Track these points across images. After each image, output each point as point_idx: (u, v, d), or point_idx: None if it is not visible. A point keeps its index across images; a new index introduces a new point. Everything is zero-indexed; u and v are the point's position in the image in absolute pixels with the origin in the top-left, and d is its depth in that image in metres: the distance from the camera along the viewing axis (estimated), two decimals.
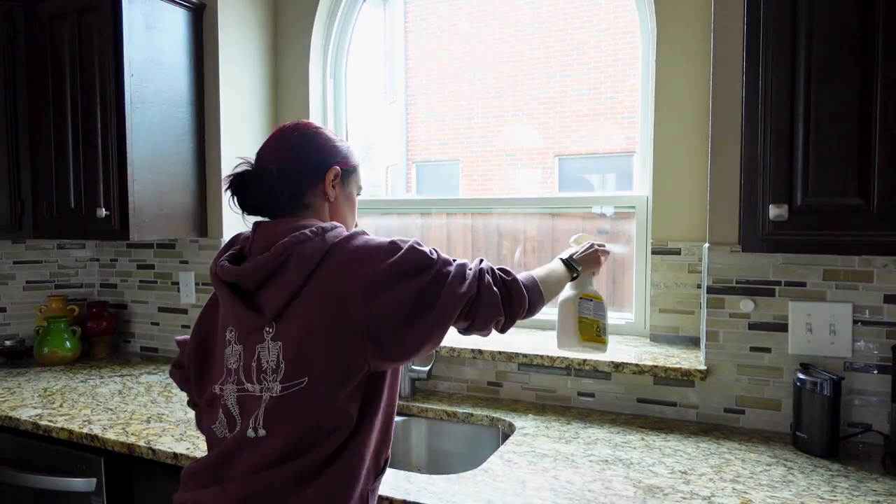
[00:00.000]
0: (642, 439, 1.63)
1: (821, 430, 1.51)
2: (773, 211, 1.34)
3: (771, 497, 1.30)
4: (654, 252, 1.98)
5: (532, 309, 1.26)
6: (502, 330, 1.23)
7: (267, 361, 1.06)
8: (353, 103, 2.63)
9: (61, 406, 1.90)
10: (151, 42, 2.15)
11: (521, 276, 1.28)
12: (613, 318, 2.16)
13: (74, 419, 1.78)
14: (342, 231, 1.12)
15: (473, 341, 2.04)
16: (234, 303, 1.09)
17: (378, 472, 1.18)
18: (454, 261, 1.13)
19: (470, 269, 1.14)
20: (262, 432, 1.06)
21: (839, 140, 1.30)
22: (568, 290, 1.54)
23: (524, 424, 1.74)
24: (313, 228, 1.09)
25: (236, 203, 1.17)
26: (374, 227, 2.62)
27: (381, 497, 1.31)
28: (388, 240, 1.10)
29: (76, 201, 2.17)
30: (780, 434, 1.65)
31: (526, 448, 1.57)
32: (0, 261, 2.52)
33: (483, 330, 1.17)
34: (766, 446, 1.58)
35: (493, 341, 2.03)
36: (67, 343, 2.42)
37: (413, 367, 1.98)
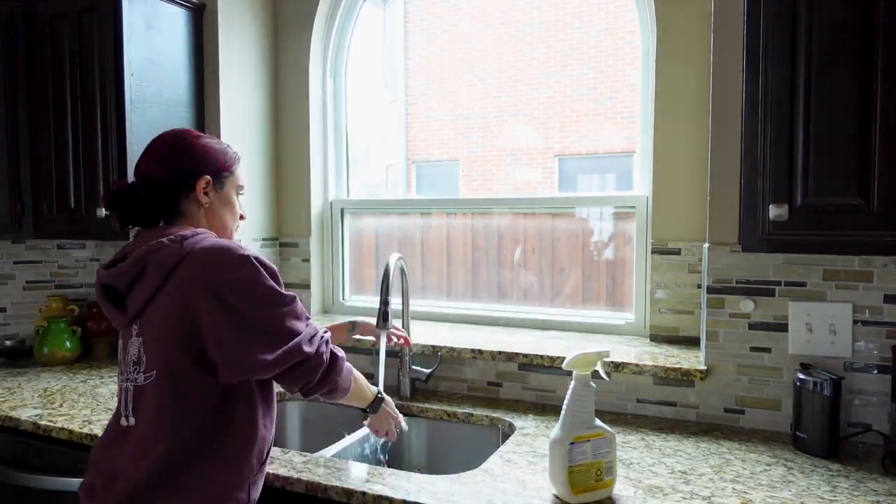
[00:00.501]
0: (642, 439, 1.63)
1: (821, 430, 1.51)
2: (773, 211, 1.34)
3: (771, 497, 1.30)
4: (654, 252, 1.98)
5: (334, 391, 1.32)
6: (304, 393, 1.27)
7: (131, 354, 1.19)
8: (353, 103, 2.63)
9: (61, 406, 1.90)
10: (151, 42, 2.15)
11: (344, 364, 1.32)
12: (614, 317, 2.16)
13: (74, 419, 1.78)
14: (203, 238, 1.19)
15: (474, 341, 2.05)
16: (105, 302, 1.22)
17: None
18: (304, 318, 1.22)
19: (315, 335, 1.22)
20: (132, 420, 1.19)
21: (839, 140, 1.30)
22: (558, 431, 1.32)
23: (524, 424, 1.74)
24: (172, 237, 1.18)
25: (116, 218, 1.26)
26: (374, 228, 2.62)
27: (381, 497, 1.31)
28: (241, 252, 1.16)
29: (76, 201, 2.17)
30: (780, 434, 1.65)
31: (526, 448, 1.57)
32: (0, 261, 2.52)
33: (292, 385, 1.24)
34: (766, 446, 1.58)
35: (493, 341, 2.03)
36: (67, 343, 2.41)
37: (414, 367, 1.98)
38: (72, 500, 1.71)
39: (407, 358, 1.98)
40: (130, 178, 2.07)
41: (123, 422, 1.20)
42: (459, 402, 1.94)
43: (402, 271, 1.99)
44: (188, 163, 1.26)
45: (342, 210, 2.58)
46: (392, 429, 1.60)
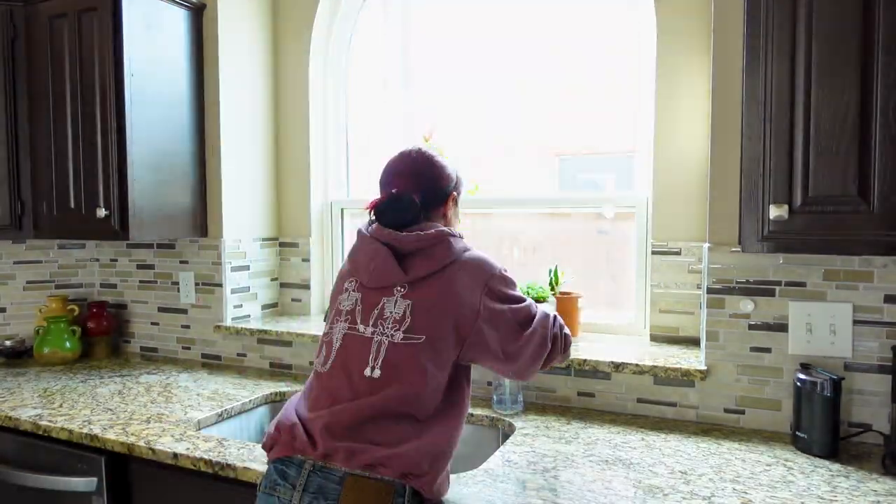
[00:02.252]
0: (642, 439, 1.63)
1: (821, 430, 1.51)
2: (773, 211, 1.34)
3: (771, 497, 1.30)
4: (653, 252, 1.98)
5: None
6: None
7: (391, 312, 1.30)
8: (353, 102, 2.63)
9: (61, 406, 1.90)
10: (151, 42, 2.15)
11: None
12: (614, 317, 2.16)
13: (74, 419, 1.78)
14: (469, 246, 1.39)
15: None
16: (387, 257, 1.31)
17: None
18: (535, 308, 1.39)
19: (550, 325, 1.39)
20: (377, 373, 1.26)
21: (839, 140, 1.30)
22: None
23: (524, 424, 1.74)
24: (454, 232, 1.37)
25: (375, 222, 1.39)
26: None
27: None
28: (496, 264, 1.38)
29: (76, 201, 2.17)
30: (780, 434, 1.65)
31: (526, 448, 1.57)
32: (0, 261, 2.52)
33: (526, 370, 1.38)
34: (766, 446, 1.58)
35: None
36: (67, 343, 2.42)
37: None
38: (72, 500, 1.71)
39: None
40: (130, 178, 2.09)
41: (367, 372, 1.26)
42: None
43: None
44: (445, 182, 1.45)
45: (342, 210, 2.58)
46: None
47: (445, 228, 1.35)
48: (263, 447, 1.31)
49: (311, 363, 1.35)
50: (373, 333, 1.29)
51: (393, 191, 1.38)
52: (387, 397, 1.23)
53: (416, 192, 1.38)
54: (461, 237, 1.38)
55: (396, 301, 1.30)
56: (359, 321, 1.32)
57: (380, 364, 1.26)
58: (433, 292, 1.29)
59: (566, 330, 1.45)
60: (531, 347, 1.33)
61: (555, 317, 1.44)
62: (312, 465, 1.21)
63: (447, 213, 1.45)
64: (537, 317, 1.36)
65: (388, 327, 1.29)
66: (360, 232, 1.41)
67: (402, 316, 1.29)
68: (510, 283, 1.37)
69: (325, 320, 1.45)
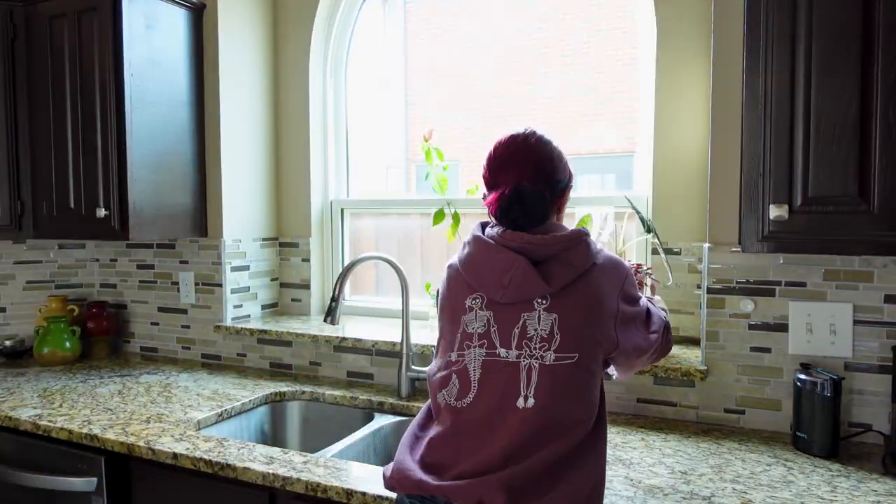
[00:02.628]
0: (642, 439, 1.63)
1: (821, 430, 1.51)
2: (774, 211, 1.34)
3: (771, 497, 1.30)
4: (653, 252, 1.98)
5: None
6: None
7: (535, 330, 1.13)
8: (353, 103, 2.63)
9: (61, 406, 1.90)
10: (151, 42, 2.15)
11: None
12: None
13: (74, 419, 1.78)
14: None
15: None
16: (527, 268, 1.13)
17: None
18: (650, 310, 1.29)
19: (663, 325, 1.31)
20: (531, 402, 1.10)
21: (839, 140, 1.30)
22: None
23: None
24: (588, 234, 1.21)
25: (495, 224, 1.22)
26: (373, 227, 2.62)
27: (381, 497, 1.31)
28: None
29: (76, 201, 2.17)
30: (780, 434, 1.65)
31: None
32: (0, 261, 2.52)
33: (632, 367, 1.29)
34: (767, 446, 1.58)
35: None
36: (67, 343, 2.42)
37: (413, 366, 1.98)
38: (72, 500, 1.71)
39: (407, 357, 1.98)
40: (130, 177, 2.09)
41: (521, 403, 1.10)
42: None
43: (399, 270, 1.99)
44: (564, 174, 1.28)
45: (342, 210, 2.58)
46: None
47: (579, 228, 1.21)
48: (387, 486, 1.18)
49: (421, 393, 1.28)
50: (518, 357, 1.13)
51: (525, 183, 1.19)
52: (545, 434, 1.09)
53: (538, 184, 1.20)
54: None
55: (539, 316, 1.14)
56: (498, 344, 1.15)
57: (532, 392, 1.10)
58: (578, 301, 1.14)
59: (670, 326, 1.37)
60: (652, 349, 1.26)
61: (665, 313, 1.38)
62: None
63: (563, 208, 1.30)
64: (656, 316, 1.29)
65: (535, 348, 1.13)
66: (477, 238, 1.22)
67: (549, 333, 1.13)
68: (635, 283, 1.25)
69: (440, 340, 1.27)
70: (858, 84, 1.28)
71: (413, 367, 1.98)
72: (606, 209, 2.10)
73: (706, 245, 1.72)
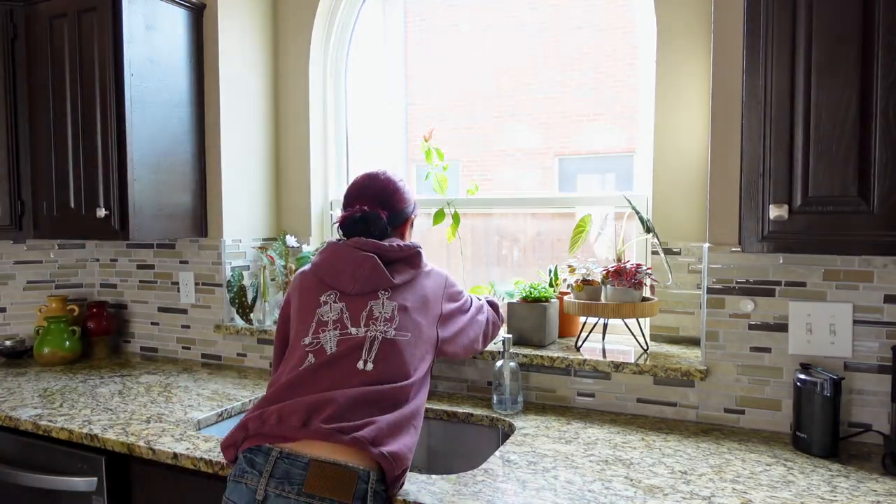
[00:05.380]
0: (642, 439, 1.63)
1: (821, 430, 1.51)
2: (773, 211, 1.34)
3: (771, 497, 1.30)
4: (653, 252, 1.98)
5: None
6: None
7: (380, 312, 1.45)
8: (353, 102, 2.63)
9: (61, 406, 1.90)
10: (151, 42, 2.15)
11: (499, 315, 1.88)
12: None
13: (74, 419, 1.78)
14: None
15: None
16: (377, 264, 1.47)
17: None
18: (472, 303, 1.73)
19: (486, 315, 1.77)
20: (370, 366, 1.37)
21: (839, 140, 1.30)
22: None
23: (524, 424, 1.74)
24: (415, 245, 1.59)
25: (346, 234, 1.58)
26: None
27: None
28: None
29: (76, 201, 2.17)
30: (780, 434, 1.65)
31: (526, 448, 1.57)
32: (0, 261, 2.52)
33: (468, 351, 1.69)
34: (766, 446, 1.58)
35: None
36: (67, 343, 2.42)
37: None
38: (73, 500, 1.71)
39: None
40: (130, 177, 2.08)
41: (360, 365, 1.37)
42: (459, 401, 1.94)
43: None
44: (406, 205, 1.66)
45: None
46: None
47: (413, 242, 1.58)
48: (224, 446, 1.36)
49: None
50: (366, 332, 1.42)
51: (364, 208, 1.55)
52: (378, 388, 1.34)
53: (381, 212, 1.56)
54: None
55: (383, 303, 1.46)
56: (350, 325, 1.43)
57: (372, 358, 1.38)
58: (413, 296, 1.50)
59: (495, 316, 1.81)
60: (482, 332, 1.71)
61: (490, 303, 1.82)
62: (280, 452, 1.26)
63: (405, 233, 1.67)
64: (478, 308, 1.72)
65: (380, 325, 1.43)
66: (333, 245, 1.55)
67: (391, 315, 1.45)
68: (455, 285, 1.66)
69: (279, 336, 1.60)
70: (858, 84, 1.28)
71: None
72: (606, 209, 2.10)
73: (706, 245, 1.72)
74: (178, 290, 2.48)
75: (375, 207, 1.57)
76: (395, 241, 1.54)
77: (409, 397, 1.38)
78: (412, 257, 1.56)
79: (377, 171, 1.66)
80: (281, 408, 1.30)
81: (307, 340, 1.43)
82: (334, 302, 1.47)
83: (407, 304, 1.48)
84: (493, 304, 1.83)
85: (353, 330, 1.42)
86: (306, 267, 1.60)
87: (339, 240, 1.58)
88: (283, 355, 1.51)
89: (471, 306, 1.70)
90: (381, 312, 1.45)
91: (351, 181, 1.67)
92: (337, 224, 1.59)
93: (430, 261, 1.64)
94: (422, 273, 1.56)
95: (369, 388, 1.34)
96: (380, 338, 1.41)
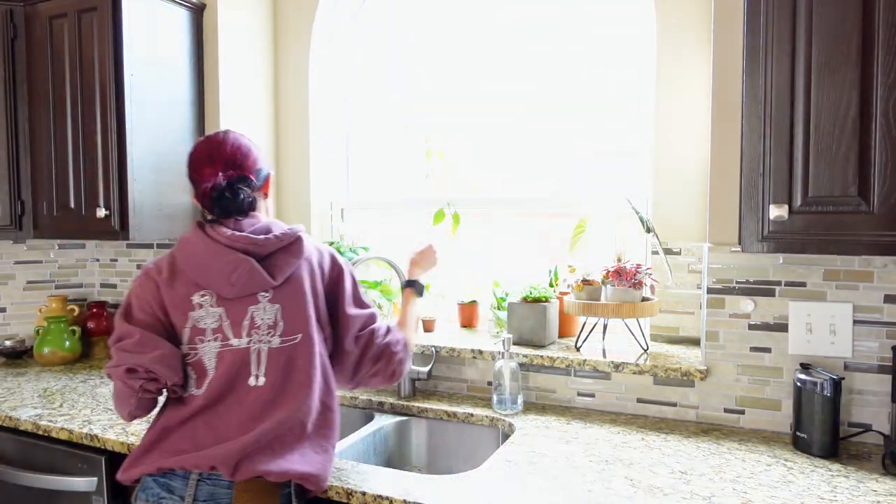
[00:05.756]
0: (642, 439, 1.63)
1: (821, 430, 1.51)
2: (774, 211, 1.34)
3: (771, 497, 1.30)
4: (653, 252, 1.98)
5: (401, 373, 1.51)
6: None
7: (262, 319, 1.29)
8: (353, 102, 2.63)
9: (61, 406, 1.90)
10: (152, 42, 2.15)
11: (401, 348, 1.49)
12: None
13: (74, 419, 1.78)
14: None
15: (474, 341, 2.05)
16: (252, 266, 1.28)
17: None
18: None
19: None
20: (262, 380, 1.27)
21: (839, 140, 1.30)
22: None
23: (524, 424, 1.74)
24: (291, 227, 1.37)
25: (214, 219, 1.35)
26: (374, 229, 2.61)
27: (380, 497, 1.31)
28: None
29: (76, 201, 2.17)
30: (780, 434, 1.65)
31: (526, 448, 1.57)
32: (0, 261, 2.52)
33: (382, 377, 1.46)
34: (766, 446, 1.58)
35: (493, 342, 2.03)
36: (67, 343, 2.41)
37: (413, 366, 1.98)
38: (73, 500, 1.71)
39: None
40: (130, 177, 2.08)
41: (252, 381, 1.27)
42: (459, 402, 1.94)
43: (398, 270, 1.99)
44: (262, 163, 1.43)
45: (342, 210, 2.58)
46: (434, 257, 1.77)
47: (296, 226, 1.37)
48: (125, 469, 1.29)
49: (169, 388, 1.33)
50: (249, 343, 1.28)
51: (230, 173, 1.34)
52: (277, 413, 1.25)
53: (237, 174, 1.35)
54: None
55: (264, 308, 1.30)
56: (231, 336, 1.29)
57: (263, 371, 1.27)
58: (296, 289, 1.33)
59: (398, 340, 1.51)
60: (372, 321, 1.45)
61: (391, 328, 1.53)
62: (199, 474, 1.22)
63: (267, 192, 1.45)
64: (364, 296, 1.49)
65: (263, 334, 1.28)
66: (200, 237, 1.31)
67: (274, 321, 1.30)
68: (339, 262, 1.44)
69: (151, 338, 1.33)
70: (858, 84, 1.28)
71: (413, 367, 1.98)
72: (606, 209, 2.10)
73: (706, 245, 1.72)
74: None
75: (230, 172, 1.35)
76: (269, 226, 1.34)
77: (310, 411, 1.29)
78: (291, 245, 1.34)
79: (218, 132, 1.42)
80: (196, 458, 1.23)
81: (183, 349, 1.30)
82: (210, 306, 1.30)
83: (293, 301, 1.31)
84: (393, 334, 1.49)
85: (236, 342, 1.28)
86: (160, 258, 1.37)
87: (203, 223, 1.35)
88: (150, 349, 1.29)
89: (355, 290, 1.46)
90: (262, 319, 1.29)
91: (192, 147, 1.41)
92: (200, 197, 1.37)
93: None
94: (306, 260, 1.37)
95: (265, 428, 1.23)
96: (265, 348, 1.28)
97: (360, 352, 1.41)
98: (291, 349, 1.30)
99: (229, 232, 1.30)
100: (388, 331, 1.47)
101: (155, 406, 1.38)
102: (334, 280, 1.41)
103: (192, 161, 1.39)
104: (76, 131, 2.15)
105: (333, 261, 1.43)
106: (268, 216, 1.44)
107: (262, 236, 1.31)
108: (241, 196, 1.33)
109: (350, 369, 1.42)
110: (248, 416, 1.25)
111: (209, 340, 1.29)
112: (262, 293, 1.30)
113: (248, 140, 1.42)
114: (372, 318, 1.45)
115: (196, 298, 1.30)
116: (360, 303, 1.45)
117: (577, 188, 2.30)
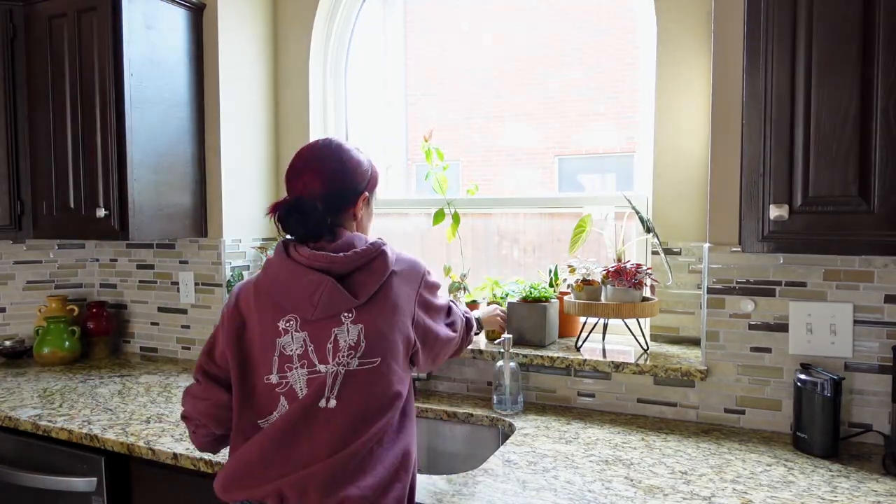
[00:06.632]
0: (642, 439, 1.63)
1: (821, 430, 1.51)
2: (774, 211, 1.34)
3: (771, 497, 1.30)
4: (653, 252, 1.98)
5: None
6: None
7: (345, 341, 1.23)
8: (353, 103, 2.63)
9: (61, 406, 1.90)
10: (151, 42, 2.15)
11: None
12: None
13: (74, 419, 1.78)
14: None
15: (474, 341, 2.04)
16: (334, 286, 1.21)
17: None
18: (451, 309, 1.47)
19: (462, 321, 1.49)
20: (332, 403, 1.20)
21: (839, 140, 1.30)
22: None
23: (524, 424, 1.74)
24: (379, 239, 1.32)
25: (281, 230, 1.31)
26: (374, 228, 2.61)
27: None
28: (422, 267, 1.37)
29: (76, 201, 2.17)
30: (781, 434, 1.65)
31: (526, 448, 1.57)
32: (0, 261, 2.52)
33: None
34: (767, 446, 1.58)
35: (493, 341, 2.03)
36: (67, 343, 2.41)
37: None
38: (72, 500, 1.71)
39: None
40: (130, 177, 2.08)
41: (322, 403, 1.20)
42: (459, 401, 1.94)
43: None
44: (353, 180, 1.35)
45: None
46: (502, 324, 1.90)
47: (378, 239, 1.30)
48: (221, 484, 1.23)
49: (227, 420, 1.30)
50: (328, 367, 1.22)
51: (303, 195, 1.29)
52: (352, 427, 1.20)
53: (321, 190, 1.29)
54: (385, 243, 1.32)
55: (347, 329, 1.24)
56: (317, 362, 1.23)
57: (335, 395, 1.21)
58: (381, 309, 1.25)
59: (472, 323, 1.58)
60: (452, 342, 1.43)
61: (464, 313, 1.56)
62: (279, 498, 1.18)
63: (357, 213, 1.36)
64: (457, 314, 1.47)
65: (343, 356, 1.22)
66: (282, 260, 1.28)
67: (356, 342, 1.23)
68: (432, 283, 1.38)
69: (218, 362, 1.31)
70: (859, 84, 1.28)
71: None
72: (606, 209, 2.10)
73: (706, 245, 1.72)
74: (178, 291, 2.48)
75: (314, 185, 1.29)
76: (353, 240, 1.28)
77: (393, 426, 1.24)
78: (374, 261, 1.26)
79: (319, 140, 1.38)
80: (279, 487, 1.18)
81: (273, 379, 1.24)
82: (295, 331, 1.25)
83: (375, 322, 1.24)
84: (468, 324, 1.56)
85: (322, 367, 1.22)
86: (249, 281, 1.34)
87: (287, 242, 1.32)
88: (239, 383, 1.27)
89: (448, 312, 1.44)
90: (345, 341, 1.23)
91: (294, 156, 1.36)
92: (271, 216, 1.32)
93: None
94: (393, 275, 1.28)
95: (337, 458, 1.17)
96: (343, 371, 1.21)
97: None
98: (367, 373, 1.22)
99: (308, 251, 1.25)
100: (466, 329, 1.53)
101: (220, 445, 1.35)
102: (422, 298, 1.33)
103: (287, 172, 1.35)
104: (76, 131, 2.15)
105: (420, 275, 1.34)
106: (358, 230, 1.38)
107: (341, 253, 1.24)
108: (307, 220, 1.26)
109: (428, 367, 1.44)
110: (324, 441, 1.19)
111: (296, 367, 1.23)
112: (345, 314, 1.23)
113: (350, 153, 1.35)
114: (456, 336, 1.45)
115: (282, 324, 1.25)
116: (447, 317, 1.43)
117: (577, 188, 2.30)
